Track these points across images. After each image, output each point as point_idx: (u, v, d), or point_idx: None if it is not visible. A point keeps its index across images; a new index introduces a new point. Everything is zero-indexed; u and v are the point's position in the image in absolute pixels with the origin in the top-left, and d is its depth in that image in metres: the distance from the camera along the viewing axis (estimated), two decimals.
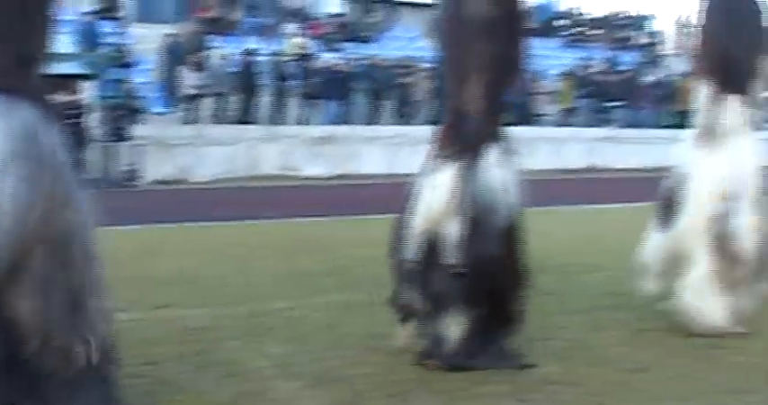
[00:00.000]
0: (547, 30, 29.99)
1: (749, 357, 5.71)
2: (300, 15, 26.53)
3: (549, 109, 25.21)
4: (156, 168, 18.37)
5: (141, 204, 14.08)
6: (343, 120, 22.19)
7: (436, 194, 5.29)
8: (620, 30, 32.53)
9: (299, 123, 21.56)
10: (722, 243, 6.21)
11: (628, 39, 32.57)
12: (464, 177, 5.24)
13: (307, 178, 19.61)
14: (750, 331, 6.26)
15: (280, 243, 10.09)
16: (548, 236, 9.08)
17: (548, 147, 23.10)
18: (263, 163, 20.03)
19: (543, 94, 24.85)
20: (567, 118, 25.64)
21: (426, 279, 5.34)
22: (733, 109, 6.42)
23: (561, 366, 5.36)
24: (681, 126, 26.94)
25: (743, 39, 6.48)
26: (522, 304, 5.47)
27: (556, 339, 6.04)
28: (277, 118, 21.37)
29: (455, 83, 5.45)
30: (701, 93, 6.56)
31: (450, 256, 5.22)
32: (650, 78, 27.52)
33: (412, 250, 5.36)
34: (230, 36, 23.47)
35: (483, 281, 5.22)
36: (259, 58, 21.60)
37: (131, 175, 17.81)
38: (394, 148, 21.09)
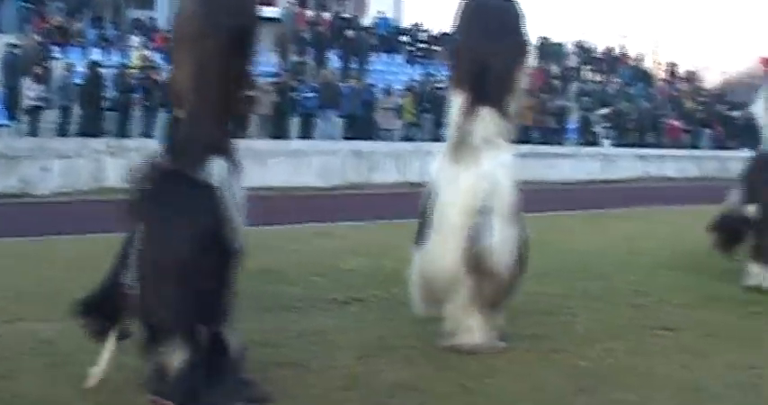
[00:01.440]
0: (390, 45, 30.52)
1: (587, 362, 6.05)
2: (145, 28, 26.29)
3: (393, 124, 25.52)
4: None
5: None
6: None
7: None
8: None
9: (143, 136, 21.31)
10: (477, 260, 6.01)
11: None
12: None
13: None
14: (588, 337, 6.63)
15: None
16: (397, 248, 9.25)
17: (391, 161, 23.42)
18: (108, 176, 19.72)
19: (387, 109, 25.16)
20: (410, 133, 26.02)
21: (145, 303, 4.83)
22: (487, 121, 6.17)
23: (413, 373, 5.57)
24: (526, 141, 27.87)
25: (498, 48, 6.25)
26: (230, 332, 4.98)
27: (403, 347, 6.25)
28: (122, 130, 21.06)
29: (181, 94, 5.03)
30: (455, 104, 6.31)
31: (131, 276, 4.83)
32: None
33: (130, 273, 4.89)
34: (74, 47, 23.06)
35: (195, 303, 4.76)
36: (103, 70, 21.25)
37: None
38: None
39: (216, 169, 4.86)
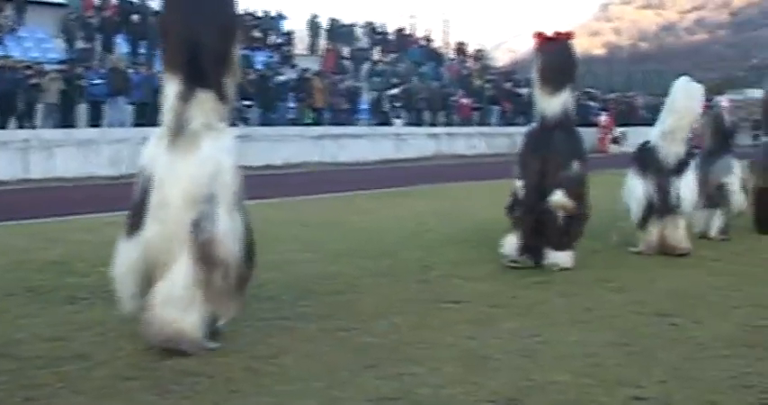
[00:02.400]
0: None
1: (374, 338, 6.14)
2: None
3: None
4: None
5: None
6: None
7: None
8: (252, 30, 33.11)
9: None
10: (201, 250, 5.56)
11: (260, 38, 33.24)
12: None
13: None
14: (375, 314, 6.74)
15: None
16: None
17: None
18: None
19: None
20: None
21: None
22: (204, 105, 5.74)
23: (197, 358, 5.51)
24: (317, 123, 28.08)
25: (209, 25, 5.76)
26: None
27: None
28: None
29: None
30: (168, 88, 5.78)
31: None
32: (283, 78, 28.27)
33: None
34: None
35: None
36: None
37: None
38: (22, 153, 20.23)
39: None
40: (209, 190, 5.60)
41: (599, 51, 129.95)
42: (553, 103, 8.88)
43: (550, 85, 8.87)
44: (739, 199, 11.63)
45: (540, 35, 9.03)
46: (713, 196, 11.33)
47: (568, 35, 9.09)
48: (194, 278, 5.57)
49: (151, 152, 5.78)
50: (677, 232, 9.95)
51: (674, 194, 9.88)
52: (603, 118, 39.98)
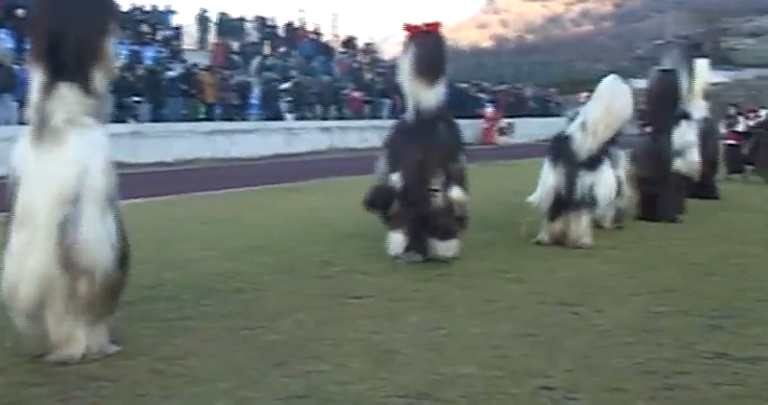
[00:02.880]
0: None
1: (280, 336, 6.10)
2: None
3: None
4: None
5: None
6: None
7: None
8: (141, 24, 32.59)
9: None
10: (70, 256, 5.22)
11: (149, 33, 32.74)
12: None
13: None
14: (278, 312, 6.70)
15: None
16: None
17: None
18: None
19: None
20: None
21: None
22: (68, 99, 5.36)
23: (101, 363, 5.39)
24: (209, 119, 27.73)
25: (76, 15, 5.42)
26: None
27: None
28: None
29: None
30: (34, 81, 5.40)
31: None
32: (173, 73, 27.87)
33: None
34: None
35: None
36: None
37: None
38: None
39: None
40: (75, 191, 5.24)
41: (487, 44, 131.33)
42: (429, 95, 8.75)
43: (425, 77, 8.70)
44: (627, 189, 11.96)
45: (411, 27, 8.88)
46: None
47: (437, 26, 8.93)
48: (66, 288, 5.27)
49: (19, 151, 5.43)
50: (579, 227, 10.07)
51: (582, 188, 9.94)
52: (490, 110, 40.39)
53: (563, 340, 6.04)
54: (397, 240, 8.87)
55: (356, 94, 35.61)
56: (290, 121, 31.47)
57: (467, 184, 8.86)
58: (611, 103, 10.05)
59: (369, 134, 32.79)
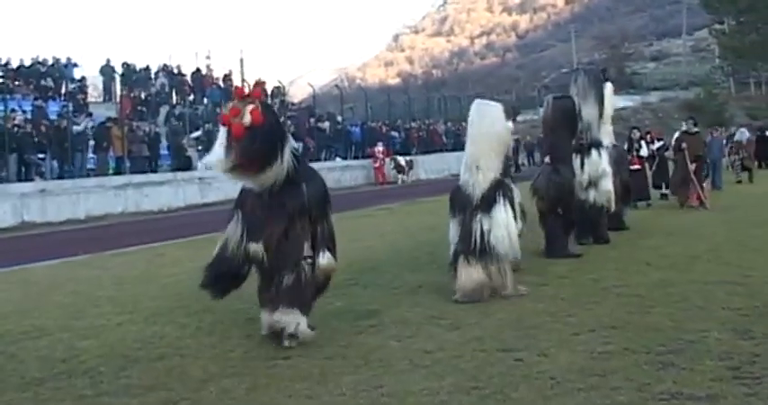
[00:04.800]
0: None
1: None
2: None
3: None
4: None
5: None
6: None
7: None
8: (44, 78, 31.91)
9: None
10: None
11: (52, 87, 32.07)
12: None
13: None
14: (204, 379, 6.26)
15: None
16: None
17: None
18: None
19: None
20: None
21: None
22: None
23: None
24: (118, 172, 27.09)
25: None
26: None
27: None
28: None
29: None
30: None
31: None
32: (80, 127, 27.18)
33: None
34: None
35: None
36: None
37: None
38: None
39: None
40: None
41: (394, 81, 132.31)
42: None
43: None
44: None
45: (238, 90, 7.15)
46: None
47: (258, 92, 7.18)
48: None
49: None
50: (498, 276, 9.11)
51: (479, 233, 9.05)
52: (379, 148, 39.56)
53: (511, 392, 5.68)
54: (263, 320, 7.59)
55: None
56: (201, 170, 30.91)
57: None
58: (479, 125, 9.24)
59: None
